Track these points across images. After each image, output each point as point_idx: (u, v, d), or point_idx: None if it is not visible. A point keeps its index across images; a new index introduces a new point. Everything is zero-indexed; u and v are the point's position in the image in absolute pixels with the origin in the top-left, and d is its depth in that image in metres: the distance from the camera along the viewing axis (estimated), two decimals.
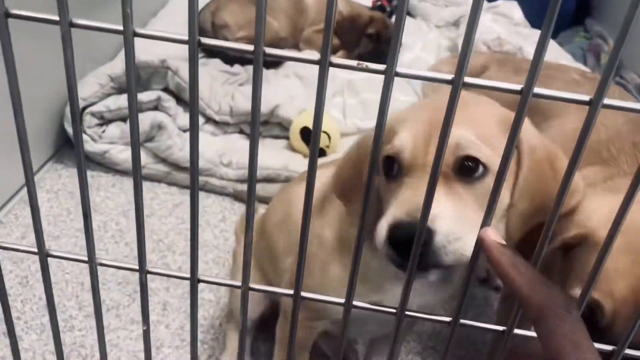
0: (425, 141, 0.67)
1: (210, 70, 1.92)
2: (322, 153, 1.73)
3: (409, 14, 2.71)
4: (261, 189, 1.63)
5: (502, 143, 0.66)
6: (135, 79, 1.53)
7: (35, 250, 0.62)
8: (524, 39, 2.28)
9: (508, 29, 2.34)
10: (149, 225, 1.51)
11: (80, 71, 1.73)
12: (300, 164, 1.67)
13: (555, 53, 2.33)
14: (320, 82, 0.48)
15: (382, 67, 0.47)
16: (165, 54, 1.72)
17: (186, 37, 0.44)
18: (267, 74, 1.99)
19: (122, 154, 1.67)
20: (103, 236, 1.47)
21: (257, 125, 0.47)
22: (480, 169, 0.66)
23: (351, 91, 1.99)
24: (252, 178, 0.50)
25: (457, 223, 0.62)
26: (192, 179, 0.49)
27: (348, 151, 0.82)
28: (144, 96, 1.70)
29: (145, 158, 1.68)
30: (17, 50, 0.47)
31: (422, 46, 2.37)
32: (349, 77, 2.05)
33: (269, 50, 0.45)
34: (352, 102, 1.95)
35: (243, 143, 1.77)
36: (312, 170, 0.48)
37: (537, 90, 0.47)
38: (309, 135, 1.71)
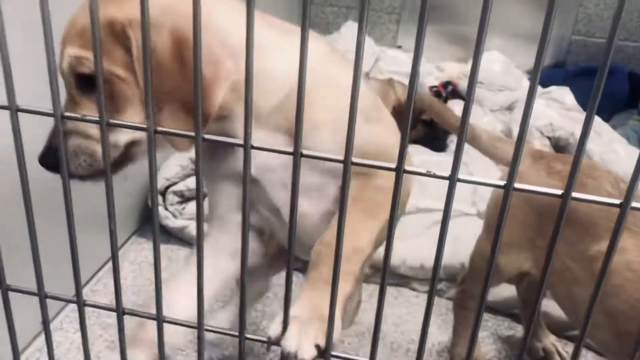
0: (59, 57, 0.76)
1: None
2: None
3: (463, 98, 2.85)
4: None
5: (111, 44, 0.71)
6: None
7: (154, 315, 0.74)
8: (576, 123, 2.37)
9: (561, 114, 2.44)
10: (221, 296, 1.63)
11: (165, 155, 1.92)
12: None
13: (609, 136, 2.40)
14: (395, 189, 0.60)
15: (446, 174, 0.59)
16: None
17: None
18: None
19: None
20: None
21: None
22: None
23: None
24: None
25: (83, 139, 0.77)
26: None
27: None
28: None
29: None
30: None
31: None
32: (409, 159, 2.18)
33: None
34: None
35: None
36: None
37: (575, 194, 0.57)
38: None
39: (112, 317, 1.53)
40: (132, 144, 0.81)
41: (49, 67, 0.57)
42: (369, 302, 1.71)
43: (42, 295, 0.75)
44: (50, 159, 0.76)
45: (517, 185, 0.57)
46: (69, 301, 0.76)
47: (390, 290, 1.74)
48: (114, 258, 0.71)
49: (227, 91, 0.76)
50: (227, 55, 0.74)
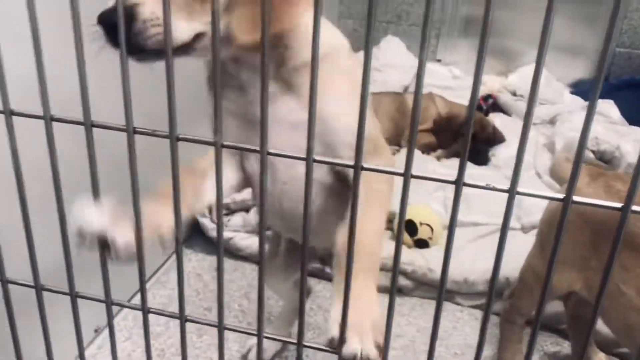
0: None
1: None
2: (425, 244, 1.84)
3: (504, 112, 2.83)
4: None
5: None
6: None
7: (216, 323, 0.77)
8: (621, 137, 2.33)
9: (606, 127, 2.40)
10: (267, 307, 1.66)
11: None
12: (404, 254, 1.79)
13: None
14: (455, 201, 0.61)
15: (506, 187, 0.60)
16: None
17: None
18: None
19: (244, 241, 1.86)
20: (227, 315, 1.63)
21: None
22: None
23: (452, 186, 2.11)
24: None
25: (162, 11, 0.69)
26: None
27: None
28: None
29: None
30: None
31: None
32: (450, 172, 2.18)
33: None
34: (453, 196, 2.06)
35: None
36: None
37: (635, 207, 0.58)
38: (412, 228, 1.84)
39: (161, 326, 1.57)
40: (199, 36, 0.78)
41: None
42: (410, 315, 1.72)
43: (108, 302, 0.79)
44: (114, 18, 0.65)
45: (576, 198, 0.58)
46: (134, 308, 0.79)
47: (434, 304, 1.74)
48: (180, 270, 0.74)
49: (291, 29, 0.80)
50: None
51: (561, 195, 0.59)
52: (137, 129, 0.66)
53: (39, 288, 0.79)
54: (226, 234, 1.86)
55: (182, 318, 0.78)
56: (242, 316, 1.64)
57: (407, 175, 0.61)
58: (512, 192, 0.60)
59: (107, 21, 0.68)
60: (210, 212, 1.88)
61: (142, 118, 0.70)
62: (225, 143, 0.65)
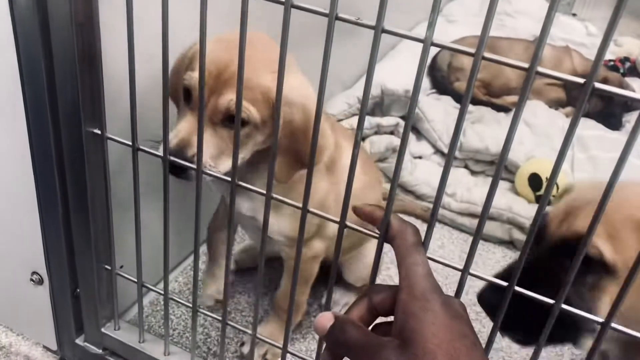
0: (211, 89, 0.84)
1: (445, 105, 2.03)
2: (548, 202, 1.73)
3: None
4: None
5: (263, 104, 0.86)
6: (378, 104, 1.65)
7: None
8: None
9: None
10: None
11: (329, 93, 1.92)
12: (523, 207, 1.69)
13: None
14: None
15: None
16: (408, 84, 1.85)
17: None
18: (499, 116, 2.05)
19: None
20: None
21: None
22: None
23: (581, 146, 1.98)
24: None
25: (213, 158, 0.86)
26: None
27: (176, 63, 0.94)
28: (384, 120, 1.85)
29: None
30: None
31: None
32: (580, 132, 2.03)
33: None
34: (581, 156, 1.93)
35: (467, 179, 1.84)
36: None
37: None
38: (537, 182, 1.73)
39: None
40: None
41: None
42: None
43: None
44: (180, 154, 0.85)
45: None
46: None
47: None
48: None
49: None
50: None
51: None
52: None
53: None
54: None
55: None
56: None
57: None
58: None
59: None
60: None
61: None
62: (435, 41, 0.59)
